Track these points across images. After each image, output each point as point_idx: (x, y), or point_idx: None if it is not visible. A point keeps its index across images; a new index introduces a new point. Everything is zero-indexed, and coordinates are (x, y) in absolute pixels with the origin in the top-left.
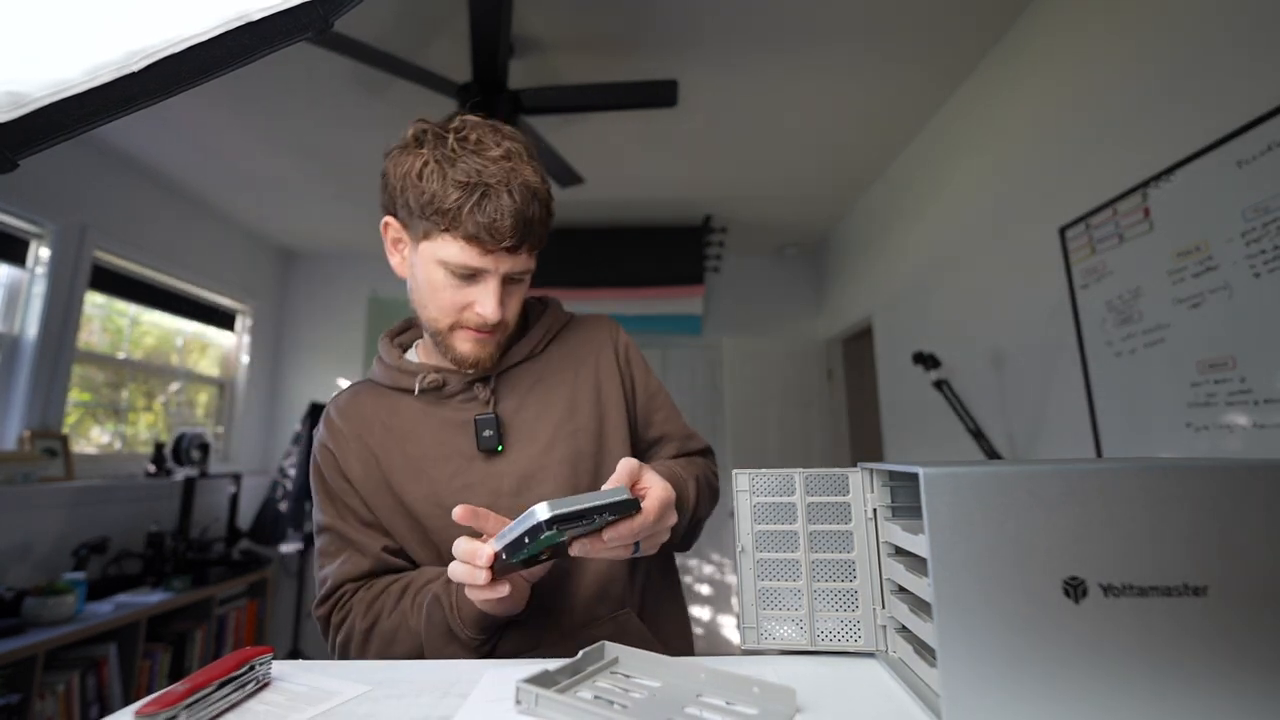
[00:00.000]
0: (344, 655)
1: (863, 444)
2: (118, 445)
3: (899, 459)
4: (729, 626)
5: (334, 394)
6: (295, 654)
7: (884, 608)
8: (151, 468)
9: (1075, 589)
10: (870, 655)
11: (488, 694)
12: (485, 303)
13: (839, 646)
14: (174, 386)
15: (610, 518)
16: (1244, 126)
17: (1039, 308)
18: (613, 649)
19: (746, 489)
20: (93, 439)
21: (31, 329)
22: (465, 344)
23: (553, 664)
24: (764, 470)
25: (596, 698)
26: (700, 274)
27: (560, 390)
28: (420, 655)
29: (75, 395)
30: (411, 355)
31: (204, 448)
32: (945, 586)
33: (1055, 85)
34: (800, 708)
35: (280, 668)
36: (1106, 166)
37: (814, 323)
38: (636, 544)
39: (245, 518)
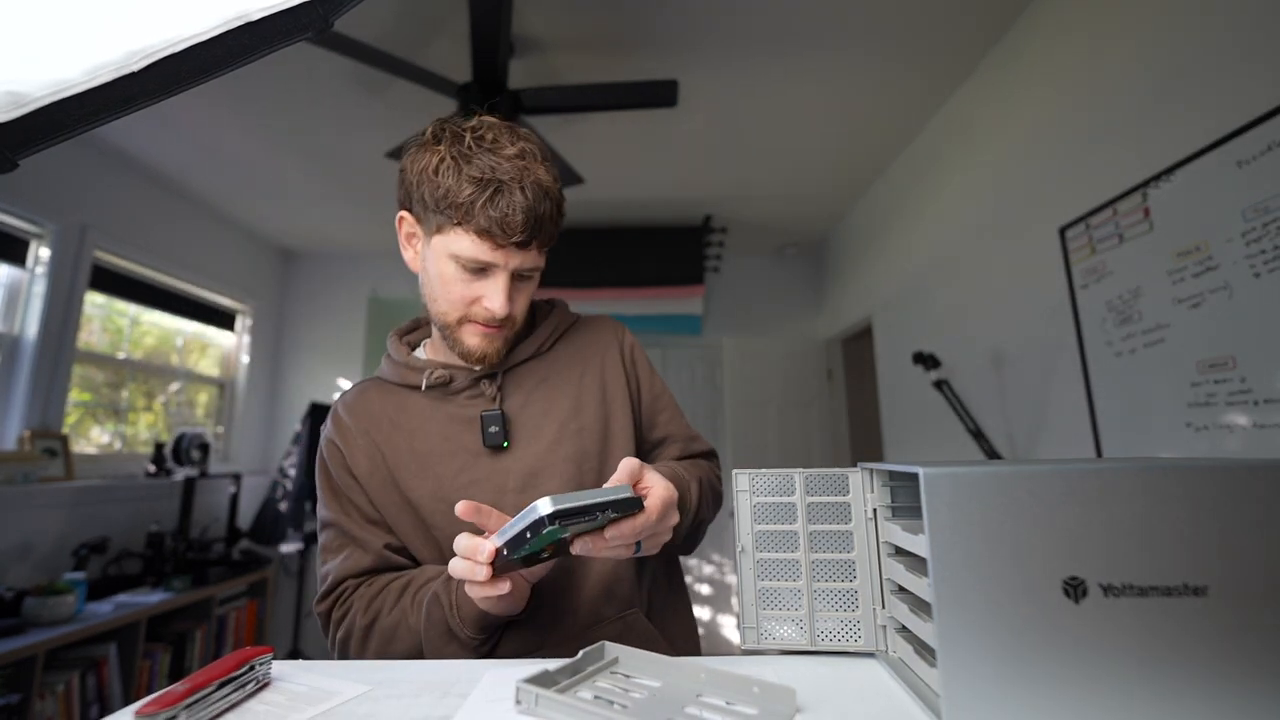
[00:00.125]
0: (344, 652)
1: (863, 444)
2: (118, 445)
3: (899, 459)
4: (729, 626)
5: (340, 392)
6: (295, 654)
7: (884, 608)
8: (151, 468)
9: (1075, 589)
10: (870, 655)
11: (488, 694)
12: (494, 297)
13: (839, 646)
14: (174, 386)
15: (613, 515)
16: (1244, 126)
17: (1039, 308)
18: (613, 649)
19: (746, 489)
20: (93, 439)
21: (31, 329)
22: (473, 338)
23: (553, 664)
24: (764, 470)
25: (596, 698)
26: (700, 274)
27: (566, 389)
28: (420, 654)
29: (75, 395)
30: (419, 353)
31: (204, 448)
32: (945, 586)
33: (1055, 85)
34: (800, 708)
35: (280, 668)
36: (1106, 166)
37: (814, 323)
38: (638, 544)
39: (245, 518)
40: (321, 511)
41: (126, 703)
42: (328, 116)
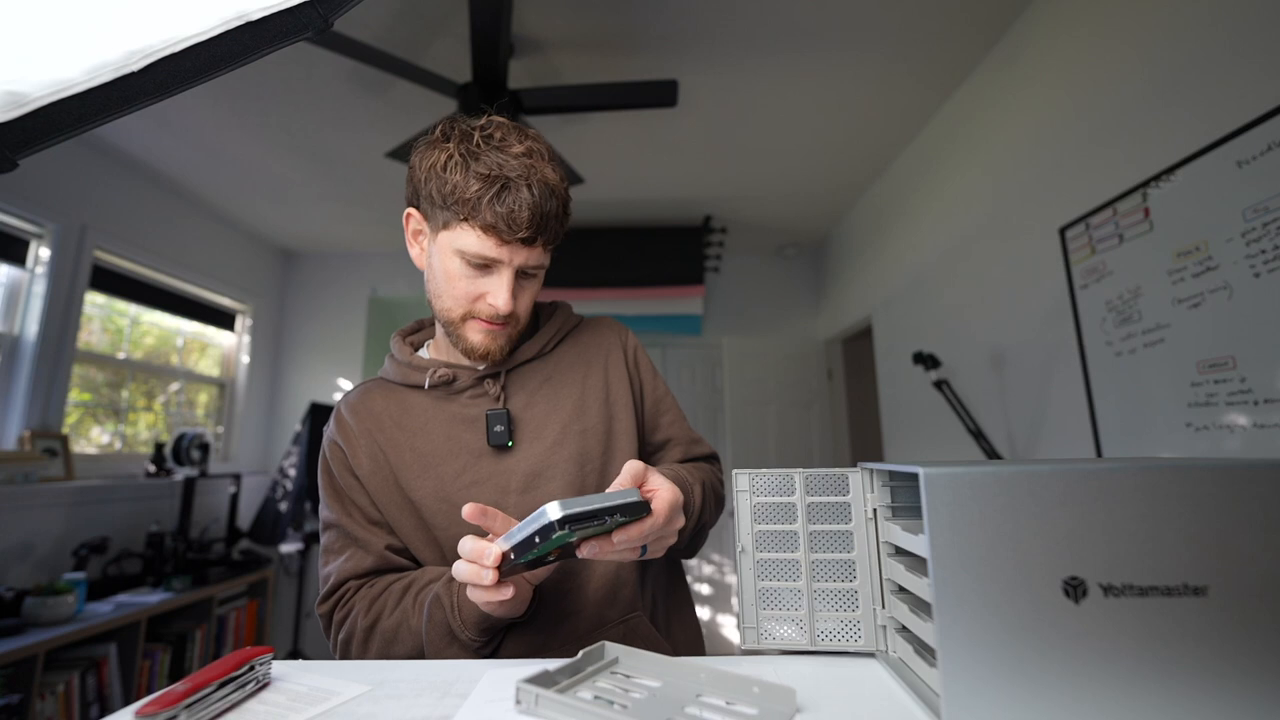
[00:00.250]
0: (345, 653)
1: (863, 444)
2: (118, 445)
3: (899, 459)
4: (729, 626)
5: (342, 393)
6: (295, 654)
7: (884, 608)
8: (151, 468)
9: (1075, 589)
10: (870, 655)
11: (488, 694)
12: (498, 293)
13: (839, 646)
14: (174, 386)
15: (621, 519)
16: (1244, 126)
17: (1039, 308)
18: (613, 649)
19: (746, 489)
20: (93, 439)
21: (31, 329)
22: (476, 334)
23: (553, 664)
24: (764, 470)
25: (596, 698)
26: (700, 274)
27: (569, 389)
28: (421, 656)
29: (75, 395)
30: (423, 353)
31: (204, 448)
32: (945, 586)
33: (1055, 85)
34: (800, 708)
35: (280, 668)
36: (1106, 166)
37: (814, 323)
38: (644, 546)
39: (245, 518)
40: (323, 512)
41: (126, 703)
42: (328, 116)
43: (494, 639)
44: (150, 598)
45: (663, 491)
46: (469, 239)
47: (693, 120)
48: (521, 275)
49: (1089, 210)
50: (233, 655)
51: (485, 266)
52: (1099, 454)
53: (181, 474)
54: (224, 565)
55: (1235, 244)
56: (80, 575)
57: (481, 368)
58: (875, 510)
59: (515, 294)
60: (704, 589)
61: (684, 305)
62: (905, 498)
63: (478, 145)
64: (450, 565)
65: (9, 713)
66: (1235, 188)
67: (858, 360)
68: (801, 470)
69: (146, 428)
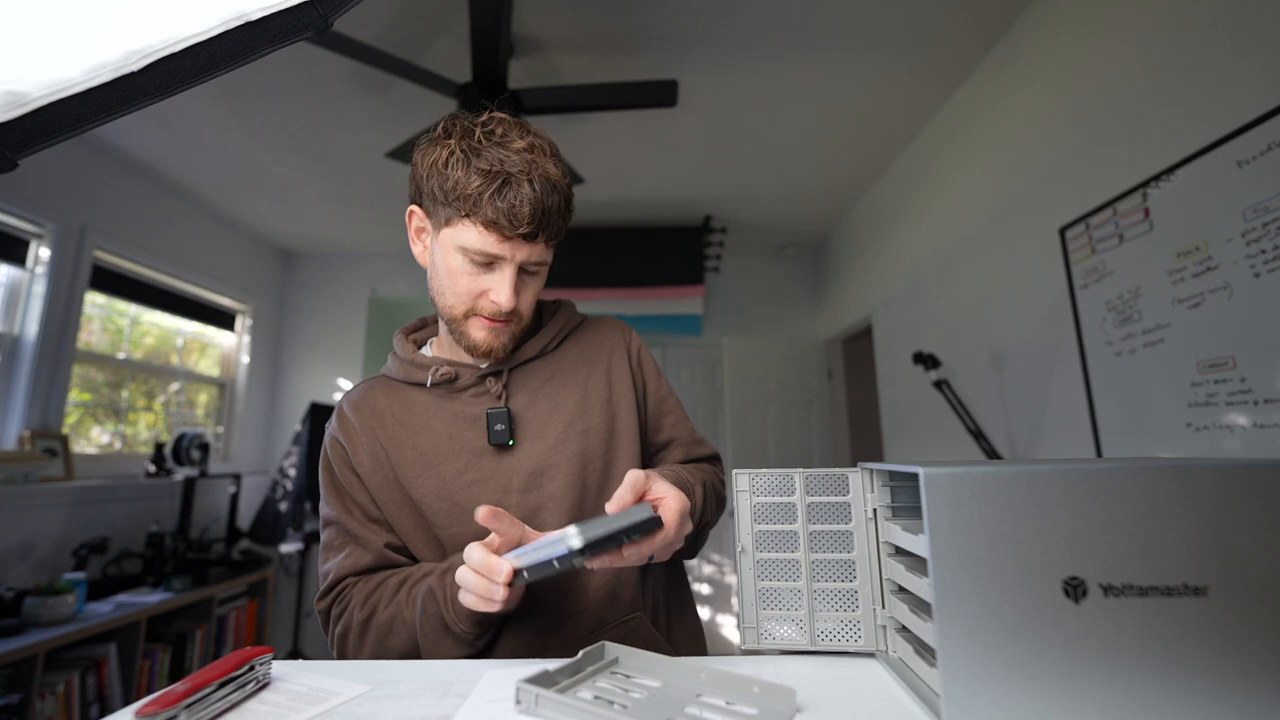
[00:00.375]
0: (342, 648)
1: (863, 444)
2: (118, 445)
3: (899, 459)
4: (729, 626)
5: (343, 391)
6: (295, 654)
7: (884, 608)
8: (151, 468)
9: (1075, 589)
10: (870, 655)
11: (488, 694)
12: (500, 290)
13: (839, 646)
14: (174, 386)
15: (635, 536)
16: (1244, 126)
17: (1039, 308)
18: (613, 649)
19: (746, 489)
20: (93, 439)
21: (31, 329)
22: (479, 332)
23: (553, 664)
24: (764, 470)
25: (596, 698)
26: (700, 274)
27: (571, 388)
28: (416, 648)
29: (75, 395)
30: (426, 351)
31: (204, 448)
32: (945, 586)
33: (1055, 85)
34: (800, 708)
35: (280, 668)
36: (1106, 166)
37: (814, 323)
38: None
39: (245, 518)
40: (324, 509)
41: (126, 703)
42: (328, 116)
43: (488, 632)
44: (150, 598)
45: (669, 500)
46: (471, 235)
47: (693, 120)
48: (524, 271)
49: (1089, 210)
50: (233, 655)
51: (487, 263)
52: (1099, 454)
53: (181, 474)
54: (224, 565)
55: (1235, 244)
56: (80, 575)
57: (484, 366)
58: (875, 510)
59: (518, 290)
60: (704, 589)
61: (684, 305)
62: (905, 498)
63: (479, 141)
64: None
65: (9, 713)
66: (1235, 188)
67: (858, 360)
68: (801, 470)
69: (146, 428)
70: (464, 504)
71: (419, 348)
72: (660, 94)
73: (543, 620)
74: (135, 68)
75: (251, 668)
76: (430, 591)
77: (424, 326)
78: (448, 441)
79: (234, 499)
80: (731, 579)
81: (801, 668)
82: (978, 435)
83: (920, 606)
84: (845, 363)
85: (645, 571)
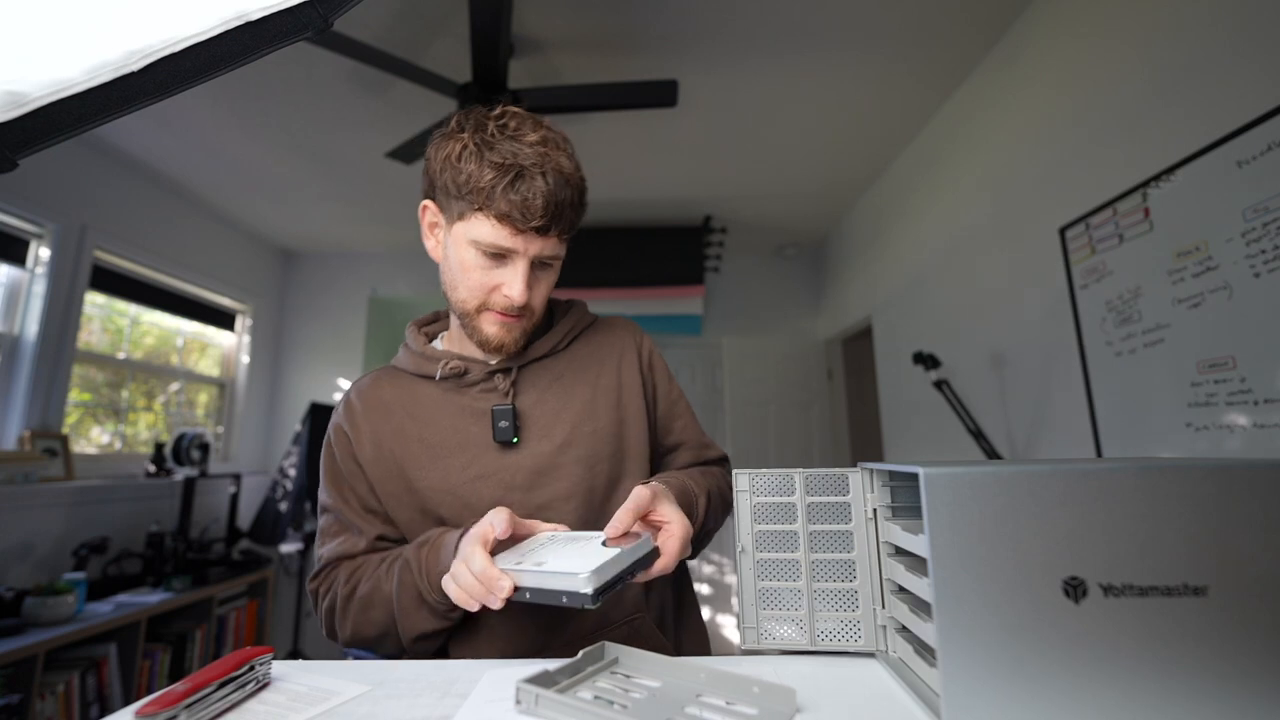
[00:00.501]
0: (329, 624)
1: (863, 444)
2: (118, 445)
3: (899, 459)
4: (729, 626)
5: (352, 380)
6: (295, 654)
7: (884, 608)
8: (151, 468)
9: (1075, 589)
10: (870, 655)
11: (488, 694)
12: (513, 284)
13: (839, 646)
14: (174, 386)
15: (638, 572)
16: (1244, 126)
17: (1039, 308)
18: (613, 649)
19: (746, 489)
20: (93, 439)
21: (32, 329)
22: (491, 326)
23: (553, 664)
24: (764, 470)
25: (596, 698)
26: (700, 274)
27: (580, 389)
28: (394, 621)
29: (75, 395)
30: (437, 344)
31: (204, 448)
32: (945, 586)
33: (1055, 85)
34: (800, 708)
35: (280, 668)
36: (1106, 166)
37: (814, 323)
38: None
39: (245, 518)
40: (322, 495)
41: (126, 703)
42: (328, 116)
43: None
44: (150, 598)
45: (673, 527)
46: (483, 228)
47: (693, 120)
48: (537, 266)
49: (1089, 210)
50: (233, 655)
51: (500, 256)
52: (1099, 454)
53: (181, 474)
54: (224, 565)
55: (1235, 244)
56: (80, 575)
57: (493, 362)
58: (875, 510)
59: (530, 285)
60: (704, 589)
61: (684, 305)
62: (905, 498)
63: (492, 135)
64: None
65: (9, 713)
66: (1235, 188)
67: (858, 360)
68: (801, 470)
69: (146, 428)
70: (467, 498)
71: (430, 340)
72: (660, 94)
73: (544, 620)
74: (135, 68)
75: (251, 668)
76: (406, 562)
77: (436, 320)
78: (453, 435)
79: (234, 499)
80: (731, 579)
81: (801, 668)
82: (978, 435)
83: (920, 606)
84: (845, 363)
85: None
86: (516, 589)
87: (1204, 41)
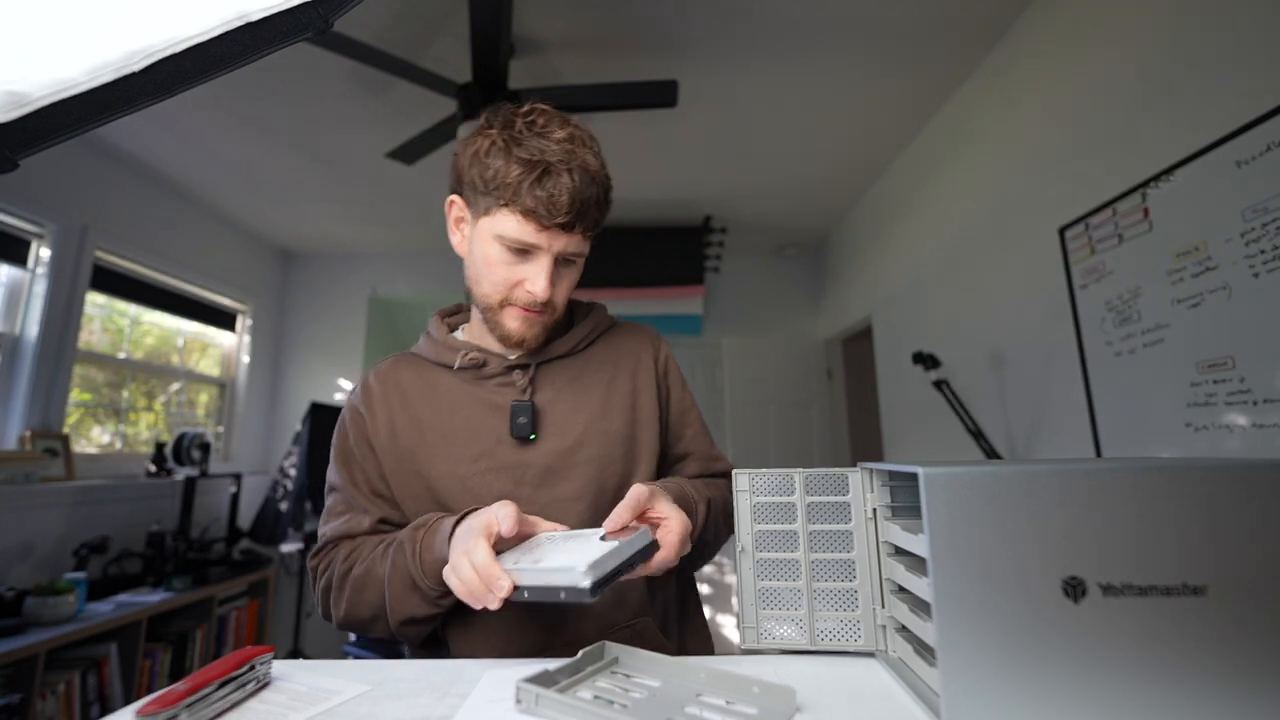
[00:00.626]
0: (325, 603)
1: (863, 444)
2: (118, 445)
3: (899, 459)
4: (729, 626)
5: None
6: (296, 654)
7: (884, 607)
8: (152, 467)
9: (1075, 589)
10: (870, 655)
11: (488, 694)
12: (537, 280)
13: (839, 646)
14: (174, 386)
15: (636, 565)
16: (1243, 127)
17: (1039, 308)
18: (612, 649)
19: (746, 489)
20: (93, 439)
21: (32, 329)
22: (514, 321)
23: (553, 664)
24: (764, 470)
25: (596, 697)
26: (700, 274)
27: (596, 390)
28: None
29: (76, 395)
30: (458, 335)
31: (204, 447)
32: (945, 586)
33: (1054, 85)
34: (800, 707)
35: (281, 667)
36: (1106, 166)
37: (814, 323)
38: None
39: (245, 518)
40: (330, 475)
41: (127, 702)
42: (328, 116)
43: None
44: (151, 597)
45: (671, 522)
46: (509, 224)
47: (693, 120)
48: (560, 262)
49: (1089, 210)
50: (233, 655)
51: (524, 252)
52: (1098, 454)
53: (182, 474)
54: (224, 565)
55: (1234, 244)
56: (81, 575)
57: (512, 357)
58: (875, 510)
59: (553, 281)
60: (704, 589)
61: (684, 305)
62: (905, 498)
63: (520, 132)
64: None
65: (10, 712)
66: (1234, 188)
67: (858, 360)
68: (801, 470)
69: (147, 428)
70: (476, 489)
71: (452, 331)
72: (660, 94)
73: (547, 620)
74: (136, 68)
75: (252, 667)
76: (401, 544)
77: (459, 312)
78: (468, 426)
79: (234, 499)
80: (731, 579)
81: (801, 667)
82: (977, 435)
83: (920, 606)
84: (845, 363)
85: (652, 577)
86: (515, 588)
87: (1204, 42)
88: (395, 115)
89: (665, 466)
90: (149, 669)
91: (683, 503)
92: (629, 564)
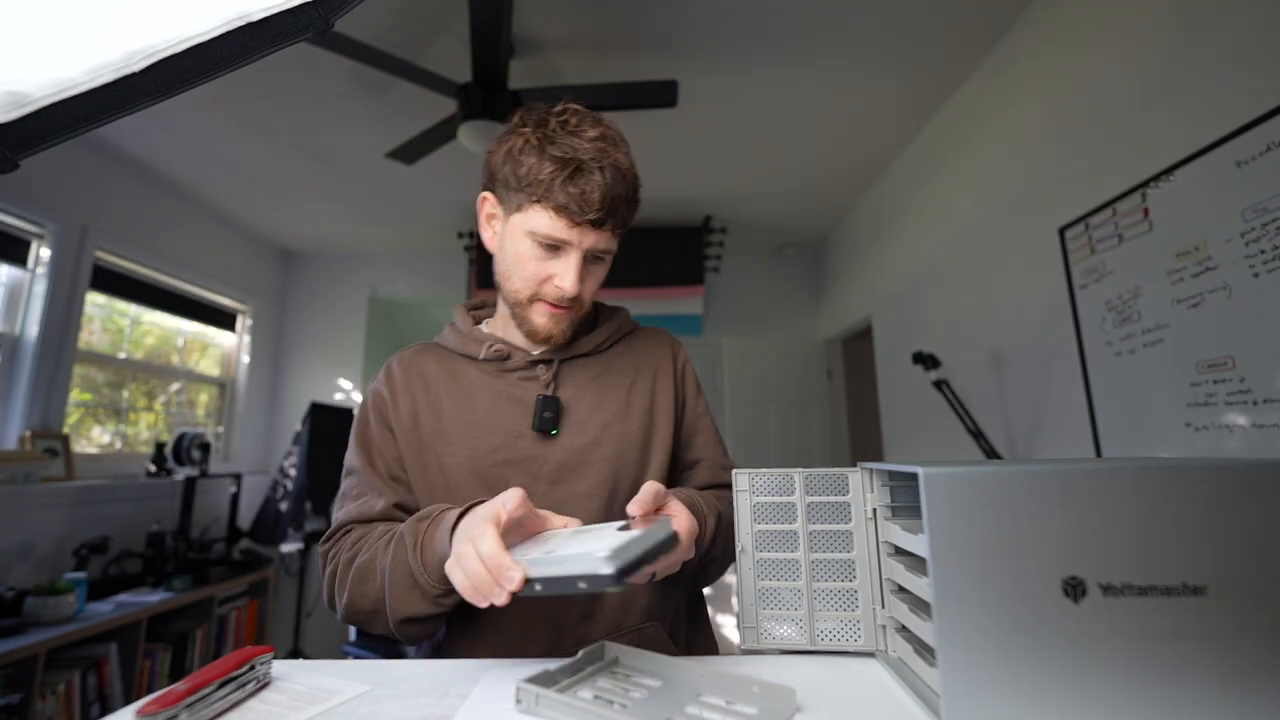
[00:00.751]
0: (330, 591)
1: (863, 444)
2: (118, 445)
3: (899, 459)
4: (729, 626)
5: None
6: (296, 654)
7: (884, 607)
8: (152, 467)
9: (1075, 589)
10: (870, 655)
11: (488, 694)
12: (566, 275)
13: (839, 646)
14: (174, 386)
15: (659, 556)
16: (1243, 127)
17: (1039, 308)
18: (613, 649)
19: (746, 489)
20: (93, 439)
21: (32, 329)
22: (541, 317)
23: (553, 664)
24: (764, 470)
25: (597, 697)
26: (700, 274)
27: (616, 391)
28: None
29: (76, 395)
30: (482, 328)
31: (204, 447)
32: (945, 586)
33: (1054, 86)
34: (800, 707)
35: (281, 667)
36: (1106, 166)
37: (814, 323)
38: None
39: (245, 517)
40: (348, 458)
41: (127, 702)
42: (328, 116)
43: (454, 590)
44: (151, 597)
45: (680, 519)
46: (541, 220)
47: (693, 120)
48: (589, 259)
49: (1088, 210)
50: (233, 655)
51: (555, 248)
52: (1098, 454)
53: (182, 474)
54: (224, 565)
55: (1234, 244)
56: (81, 575)
57: (535, 352)
58: (875, 510)
59: (582, 277)
60: (705, 590)
61: (684, 305)
62: (905, 497)
63: (553, 130)
64: None
65: (10, 712)
66: (1234, 188)
67: (858, 360)
68: (801, 470)
69: (147, 428)
70: (491, 481)
71: (476, 324)
72: (660, 94)
73: (555, 620)
74: (137, 68)
75: (252, 667)
76: (400, 537)
77: (484, 306)
78: (488, 417)
79: (234, 499)
80: (731, 579)
81: (801, 668)
82: (977, 435)
83: (920, 606)
84: (845, 363)
85: (667, 581)
86: (526, 581)
87: (1204, 42)
88: (395, 115)
89: (676, 472)
90: (149, 669)
91: (693, 511)
92: (651, 554)
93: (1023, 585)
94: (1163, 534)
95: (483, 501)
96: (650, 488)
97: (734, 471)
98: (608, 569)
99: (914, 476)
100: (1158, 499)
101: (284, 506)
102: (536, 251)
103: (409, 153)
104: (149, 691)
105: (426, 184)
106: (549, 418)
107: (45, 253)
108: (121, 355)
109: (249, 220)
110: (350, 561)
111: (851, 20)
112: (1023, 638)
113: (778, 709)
